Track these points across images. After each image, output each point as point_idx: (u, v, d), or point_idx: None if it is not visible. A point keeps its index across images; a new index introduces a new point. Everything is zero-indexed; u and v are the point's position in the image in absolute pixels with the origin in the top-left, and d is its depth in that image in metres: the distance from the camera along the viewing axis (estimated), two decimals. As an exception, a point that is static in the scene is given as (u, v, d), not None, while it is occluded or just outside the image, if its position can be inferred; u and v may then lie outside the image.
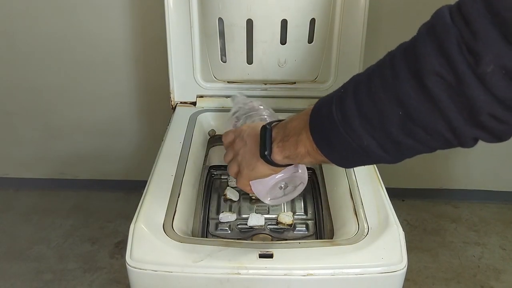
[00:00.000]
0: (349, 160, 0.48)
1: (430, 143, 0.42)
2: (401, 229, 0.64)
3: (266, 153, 0.53)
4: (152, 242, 0.62)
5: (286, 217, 0.80)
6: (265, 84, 1.00)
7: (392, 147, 0.43)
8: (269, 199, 0.62)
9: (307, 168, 0.60)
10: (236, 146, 0.60)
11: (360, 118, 0.43)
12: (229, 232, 0.79)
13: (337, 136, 0.45)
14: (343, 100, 0.45)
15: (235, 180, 0.61)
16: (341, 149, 0.46)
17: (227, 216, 0.81)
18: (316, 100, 0.50)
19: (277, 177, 0.58)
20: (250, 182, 0.59)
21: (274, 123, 0.56)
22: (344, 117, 0.44)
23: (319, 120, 0.48)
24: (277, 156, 0.53)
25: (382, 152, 0.44)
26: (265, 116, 0.73)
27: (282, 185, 0.62)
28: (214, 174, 0.96)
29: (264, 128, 0.55)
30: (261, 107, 0.76)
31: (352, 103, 0.44)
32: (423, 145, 0.42)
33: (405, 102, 0.40)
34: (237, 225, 0.81)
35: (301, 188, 0.63)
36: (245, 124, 0.69)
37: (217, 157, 0.98)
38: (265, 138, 0.54)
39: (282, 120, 0.56)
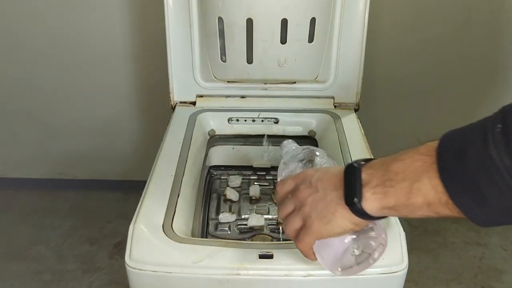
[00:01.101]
0: (502, 218, 0.38)
1: None
2: (401, 229, 0.64)
3: (355, 200, 0.43)
4: (152, 243, 0.62)
5: (286, 218, 0.80)
6: (265, 83, 1.00)
7: None
8: (339, 268, 0.51)
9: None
10: (301, 194, 0.49)
11: None
12: (229, 232, 0.79)
13: (496, 188, 0.35)
14: (510, 140, 0.34)
15: (293, 238, 0.49)
16: (497, 205, 0.36)
17: (227, 217, 0.81)
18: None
19: (352, 237, 0.47)
20: (315, 246, 0.49)
21: (361, 162, 0.46)
22: None
23: (461, 165, 0.37)
24: (371, 205, 0.43)
25: None
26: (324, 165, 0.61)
27: (356, 251, 0.50)
28: (214, 174, 0.96)
29: (351, 167, 0.45)
30: (318, 153, 0.62)
31: None
32: None
33: None
34: (237, 225, 0.80)
35: (380, 252, 0.51)
36: (308, 169, 0.57)
37: (217, 157, 0.98)
38: (354, 181, 0.44)
39: (371, 158, 0.46)
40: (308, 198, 0.48)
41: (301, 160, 0.62)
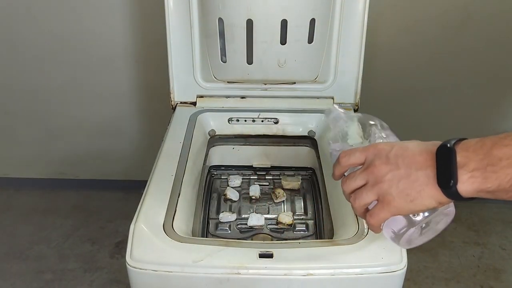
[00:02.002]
0: None
1: None
2: (401, 229, 0.64)
3: (451, 182, 0.42)
4: (152, 242, 0.63)
5: (286, 217, 0.80)
6: (265, 84, 1.00)
7: None
8: (406, 241, 0.52)
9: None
10: (377, 169, 0.48)
11: None
12: (229, 232, 0.79)
13: None
14: None
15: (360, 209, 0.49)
16: None
17: (227, 216, 0.81)
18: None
19: (425, 215, 0.48)
20: (386, 222, 0.49)
21: (454, 142, 0.44)
22: None
23: None
24: (467, 187, 0.42)
25: None
26: (384, 136, 0.58)
27: (423, 226, 0.51)
28: (214, 174, 0.96)
29: (445, 148, 0.44)
30: (373, 122, 0.60)
31: None
32: None
33: None
34: (237, 225, 0.81)
35: (445, 223, 0.52)
36: (380, 142, 0.55)
37: (217, 157, 0.98)
38: (450, 163, 0.43)
39: (464, 138, 0.45)
40: (387, 175, 0.47)
41: (360, 132, 0.59)
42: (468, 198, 0.44)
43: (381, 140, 0.56)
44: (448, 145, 0.44)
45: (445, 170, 0.43)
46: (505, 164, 0.40)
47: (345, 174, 0.54)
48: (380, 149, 0.49)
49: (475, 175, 0.42)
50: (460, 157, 0.43)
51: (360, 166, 0.51)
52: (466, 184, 0.43)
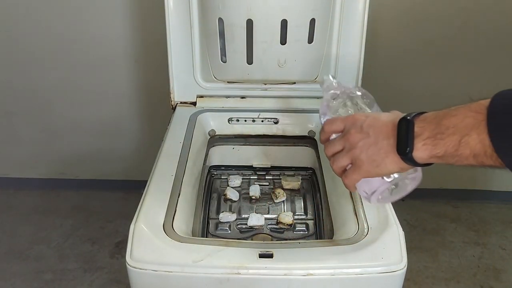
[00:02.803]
0: None
1: None
2: (401, 229, 0.64)
3: (407, 150, 0.48)
4: (152, 242, 0.63)
5: (286, 217, 0.80)
6: (265, 84, 1.00)
7: None
8: (376, 199, 0.58)
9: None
10: (352, 137, 0.54)
11: None
12: (229, 232, 0.80)
13: None
14: None
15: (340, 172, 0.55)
16: None
17: (227, 216, 0.81)
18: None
19: (395, 176, 0.54)
20: (359, 182, 0.55)
21: (414, 115, 0.50)
22: None
23: (508, 123, 0.41)
24: (421, 154, 0.48)
25: None
26: (367, 109, 0.65)
27: (393, 186, 0.58)
28: (214, 174, 0.96)
29: (404, 120, 0.50)
30: (359, 93, 0.67)
31: None
32: None
33: None
34: (237, 225, 0.81)
35: (413, 186, 0.58)
36: (358, 113, 0.62)
37: (217, 157, 0.98)
38: (407, 133, 0.49)
39: (423, 112, 0.50)
40: (360, 142, 0.53)
41: (345, 103, 0.66)
42: (425, 164, 0.50)
43: (362, 111, 0.64)
44: (409, 117, 0.50)
45: (403, 139, 0.49)
46: (451, 132, 0.46)
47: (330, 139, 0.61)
48: (356, 119, 0.55)
49: (428, 143, 0.48)
50: (417, 128, 0.48)
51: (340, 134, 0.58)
52: (420, 151, 0.48)
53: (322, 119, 0.66)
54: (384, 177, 0.55)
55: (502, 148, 0.42)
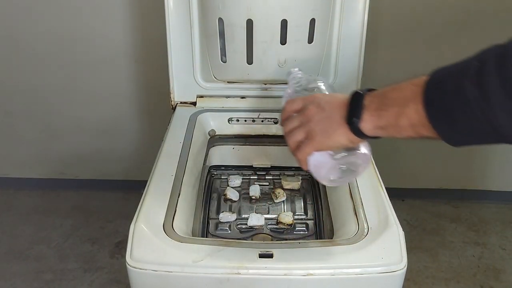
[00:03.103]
0: (468, 139, 0.45)
1: None
2: (401, 229, 0.65)
3: (354, 119, 0.51)
4: (152, 242, 0.63)
5: (286, 217, 0.80)
6: (265, 84, 1.00)
7: None
8: (327, 178, 0.59)
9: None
10: (308, 112, 0.56)
11: (506, 97, 0.39)
12: (229, 232, 0.80)
13: (464, 114, 0.42)
14: (482, 75, 0.41)
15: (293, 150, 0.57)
16: (464, 128, 0.43)
17: (227, 216, 0.81)
18: None
19: (342, 154, 0.56)
20: (311, 158, 0.56)
21: (366, 90, 0.53)
22: (483, 95, 0.40)
23: (440, 95, 0.44)
24: (367, 125, 0.51)
25: None
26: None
27: (343, 166, 0.58)
28: (214, 174, 0.96)
29: (356, 93, 0.53)
30: (322, 81, 0.70)
31: (496, 80, 0.39)
32: None
33: None
34: (237, 225, 0.81)
35: (361, 171, 0.59)
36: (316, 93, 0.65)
37: (217, 157, 0.98)
38: (356, 104, 0.51)
39: (374, 89, 0.53)
40: (315, 115, 0.55)
41: (307, 88, 0.70)
42: (372, 137, 0.52)
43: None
44: (361, 92, 0.53)
45: (352, 110, 0.52)
46: (393, 103, 0.49)
47: None
48: (316, 97, 0.58)
49: (374, 114, 0.50)
50: (366, 101, 0.51)
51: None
52: (367, 123, 0.51)
53: (284, 103, 0.67)
54: (334, 155, 0.56)
55: (435, 118, 0.45)
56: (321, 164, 0.57)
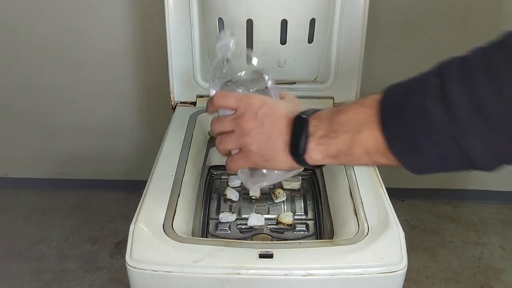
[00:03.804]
0: (434, 167, 0.40)
1: None
2: (401, 229, 0.64)
3: (300, 151, 0.46)
4: (152, 242, 0.62)
5: (286, 217, 0.80)
6: (265, 84, 1.00)
7: None
8: (252, 185, 0.57)
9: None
10: (244, 123, 0.49)
11: (476, 117, 0.34)
12: (229, 232, 0.79)
13: (429, 140, 0.37)
14: (447, 93, 0.35)
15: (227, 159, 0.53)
16: (429, 155, 0.38)
17: (227, 216, 0.81)
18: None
19: (281, 175, 0.53)
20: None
21: (309, 112, 0.47)
22: (450, 117, 0.35)
23: (399, 119, 0.39)
24: (315, 155, 0.46)
25: (494, 159, 0.36)
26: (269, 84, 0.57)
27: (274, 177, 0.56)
28: (214, 174, 0.96)
29: (299, 119, 0.47)
30: (266, 77, 0.59)
31: (463, 99, 0.34)
32: None
33: None
34: (237, 225, 0.81)
35: (292, 175, 0.56)
36: (253, 93, 0.55)
37: (217, 157, 0.98)
38: (301, 133, 0.46)
39: (317, 110, 0.47)
40: (252, 131, 0.49)
41: (244, 81, 0.58)
42: (318, 166, 0.48)
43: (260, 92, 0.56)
44: (304, 115, 0.46)
45: (297, 140, 0.46)
46: (343, 130, 0.43)
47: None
48: (252, 104, 0.50)
49: (321, 142, 0.45)
50: (311, 127, 0.46)
51: (230, 112, 0.52)
52: (313, 152, 0.45)
53: (211, 85, 0.59)
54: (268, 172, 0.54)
55: (394, 145, 0.40)
56: (253, 174, 0.54)
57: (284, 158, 0.48)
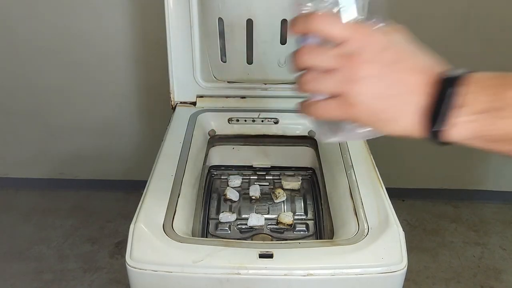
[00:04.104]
0: None
1: None
2: (401, 229, 0.64)
3: (442, 128, 0.34)
4: (152, 242, 0.62)
5: (286, 217, 0.80)
6: (265, 84, 1.00)
7: None
8: (328, 139, 0.43)
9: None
10: (359, 64, 0.36)
11: None
12: (229, 232, 0.79)
13: None
14: None
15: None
16: None
17: (227, 216, 0.81)
18: None
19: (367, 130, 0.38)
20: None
21: (460, 73, 0.35)
22: None
23: None
24: (461, 132, 0.34)
25: None
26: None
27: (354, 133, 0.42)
28: (214, 174, 0.96)
29: (448, 79, 0.35)
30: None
31: None
32: None
33: None
34: (237, 225, 0.81)
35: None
36: (373, 28, 0.37)
37: (217, 157, 0.98)
38: (449, 98, 0.34)
39: (471, 71, 0.35)
40: (367, 78, 0.36)
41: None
42: (447, 143, 0.36)
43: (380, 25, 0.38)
44: (454, 75, 0.35)
45: (442, 106, 0.34)
46: None
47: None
48: (374, 41, 0.36)
49: (477, 119, 0.34)
50: (467, 94, 0.34)
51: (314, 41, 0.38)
52: (460, 128, 0.34)
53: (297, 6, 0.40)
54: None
55: None
56: (331, 128, 0.42)
57: (411, 123, 0.36)
